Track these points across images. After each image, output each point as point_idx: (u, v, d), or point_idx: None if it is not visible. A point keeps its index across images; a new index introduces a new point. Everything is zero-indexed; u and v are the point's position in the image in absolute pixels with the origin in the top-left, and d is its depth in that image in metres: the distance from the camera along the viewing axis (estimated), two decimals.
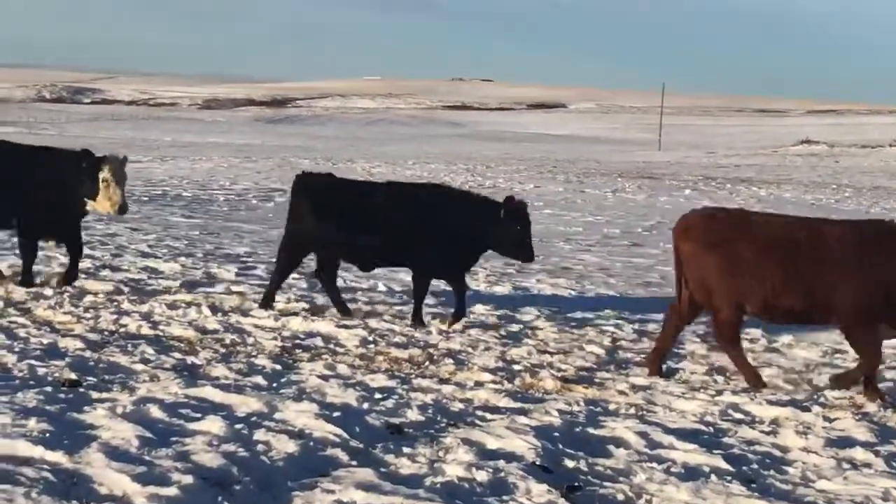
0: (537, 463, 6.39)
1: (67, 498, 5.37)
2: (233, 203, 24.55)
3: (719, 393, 8.73)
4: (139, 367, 8.37)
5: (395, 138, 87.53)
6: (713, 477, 6.40)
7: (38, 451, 5.92)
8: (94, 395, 7.28)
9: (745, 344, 10.07)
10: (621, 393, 8.63)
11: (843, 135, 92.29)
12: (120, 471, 5.69)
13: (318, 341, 9.90)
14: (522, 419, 7.31)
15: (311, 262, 11.95)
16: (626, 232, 22.05)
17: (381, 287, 12.95)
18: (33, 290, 11.31)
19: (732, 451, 7.00)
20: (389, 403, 7.57)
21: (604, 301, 13.12)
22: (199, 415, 6.87)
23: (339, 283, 11.74)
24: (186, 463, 5.93)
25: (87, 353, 8.72)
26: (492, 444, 6.71)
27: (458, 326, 10.89)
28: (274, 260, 14.98)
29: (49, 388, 7.36)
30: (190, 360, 8.81)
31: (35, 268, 11.90)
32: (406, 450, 6.50)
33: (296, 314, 10.94)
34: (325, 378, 8.30)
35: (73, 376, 7.82)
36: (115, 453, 5.98)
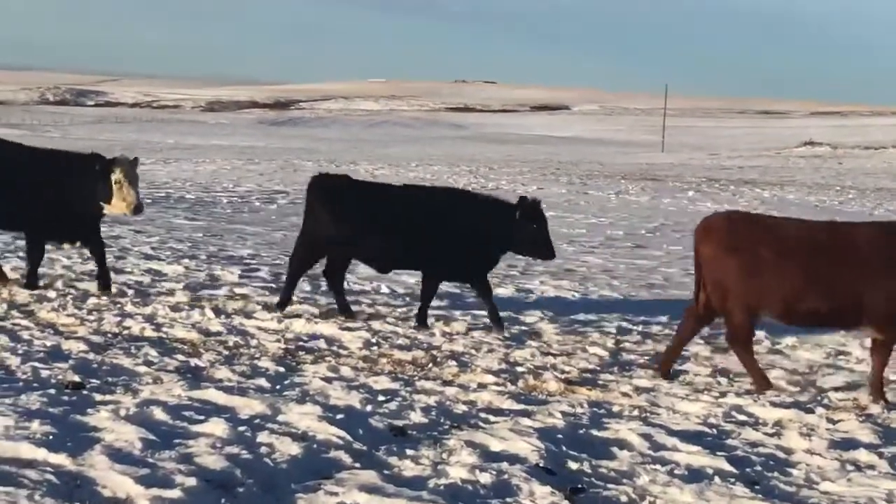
0: (541, 465, 6.39)
1: (70, 500, 5.37)
2: (236, 205, 24.55)
3: (723, 395, 8.73)
4: (142, 369, 8.37)
5: (398, 140, 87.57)
6: (717, 479, 6.39)
7: (41, 454, 5.92)
8: (98, 397, 7.28)
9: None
10: (625, 395, 8.62)
11: (847, 136, 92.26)
12: (123, 473, 5.68)
13: (322, 343, 9.90)
14: (526, 421, 7.31)
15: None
16: (629, 234, 22.05)
17: (385, 289, 12.94)
18: (37, 292, 11.31)
19: (736, 452, 6.99)
20: (393, 405, 7.57)
21: (607, 303, 13.11)
22: (202, 417, 6.87)
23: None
24: (190, 465, 5.93)
25: (91, 356, 8.72)
26: (495, 446, 6.70)
27: (461, 329, 10.89)
28: (277, 262, 15.04)
29: (52, 391, 7.36)
30: (193, 362, 8.81)
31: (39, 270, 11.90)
32: (409, 452, 6.49)
33: (299, 316, 10.93)
34: (328, 380, 8.30)
35: (77, 378, 7.83)
36: (118, 455, 5.98)
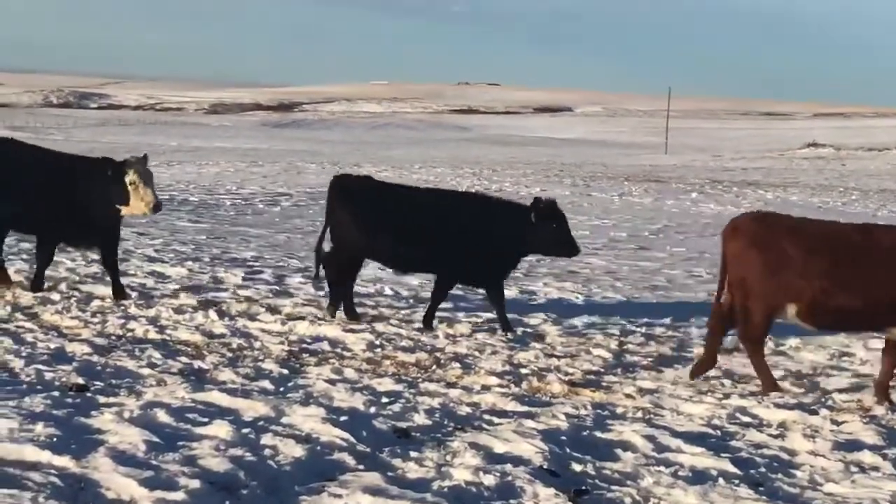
0: (544, 467, 6.38)
1: (74, 502, 5.38)
2: (239, 207, 24.56)
3: (727, 396, 8.72)
4: (146, 371, 8.38)
5: (401, 142, 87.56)
6: (721, 480, 6.39)
7: (45, 456, 5.92)
8: (101, 399, 7.29)
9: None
10: (628, 396, 8.62)
11: (850, 137, 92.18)
12: (127, 475, 5.68)
13: (325, 345, 9.90)
14: (529, 423, 7.30)
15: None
16: (632, 235, 22.03)
17: (388, 291, 12.94)
18: (40, 294, 11.32)
19: (740, 454, 6.98)
20: (396, 407, 7.57)
21: (611, 305, 13.10)
22: (206, 419, 6.87)
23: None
24: (193, 467, 5.93)
25: (95, 358, 8.73)
26: (499, 447, 6.70)
27: (464, 331, 10.89)
28: (280, 264, 15.05)
29: (56, 393, 7.36)
30: (197, 364, 8.82)
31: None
32: (413, 454, 6.49)
33: (303, 318, 10.93)
34: (331, 382, 8.30)
35: (81, 381, 7.83)
36: (122, 458, 5.98)
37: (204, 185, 29.94)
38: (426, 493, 5.81)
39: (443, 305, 12.14)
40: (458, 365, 9.39)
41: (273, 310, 11.33)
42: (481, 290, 11.55)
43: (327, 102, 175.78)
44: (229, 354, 9.35)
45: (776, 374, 9.53)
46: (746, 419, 7.99)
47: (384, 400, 7.80)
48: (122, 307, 10.97)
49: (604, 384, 9.04)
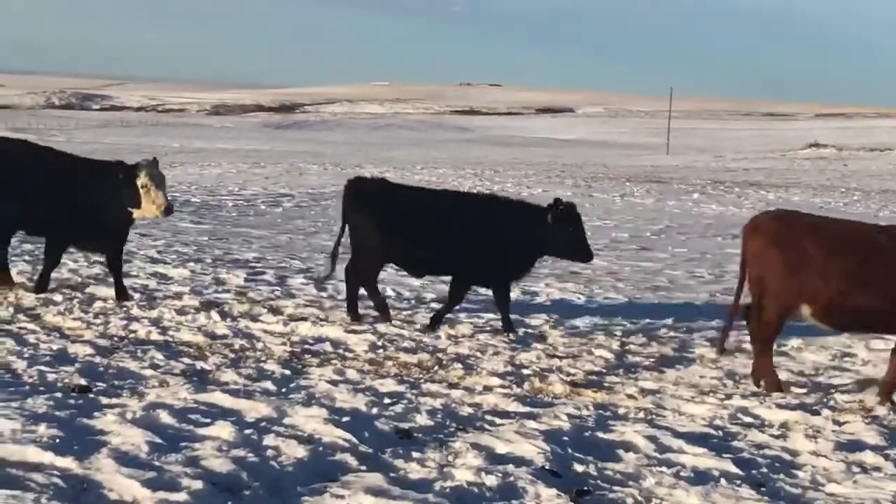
0: (546, 467, 6.39)
1: None
2: (241, 208, 24.58)
3: (728, 397, 8.73)
4: (148, 372, 8.38)
5: (403, 143, 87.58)
6: (723, 481, 6.39)
7: (47, 457, 5.92)
8: (104, 400, 7.29)
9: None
10: (630, 397, 8.62)
11: (852, 138, 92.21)
12: (129, 476, 5.69)
13: (327, 346, 9.91)
14: (531, 423, 7.30)
15: (313, 264, 11.91)
16: (634, 236, 22.03)
17: (390, 292, 12.94)
18: (43, 296, 11.33)
19: (742, 454, 6.99)
20: (398, 408, 7.57)
21: (612, 305, 13.11)
22: (208, 420, 6.87)
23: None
24: (196, 468, 5.94)
25: (97, 359, 8.73)
26: (501, 448, 6.70)
27: (466, 331, 10.89)
28: (282, 265, 15.06)
29: (59, 394, 7.36)
30: (199, 365, 8.83)
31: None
32: (415, 454, 6.49)
33: (305, 319, 10.94)
34: (334, 383, 8.31)
35: (83, 382, 7.84)
36: (124, 459, 5.98)
37: (206, 187, 29.96)
38: (428, 494, 5.81)
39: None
40: (460, 366, 9.40)
41: (275, 311, 11.33)
42: (489, 291, 11.50)
43: (329, 103, 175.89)
44: (231, 355, 9.35)
45: (779, 374, 9.54)
46: (748, 420, 7.99)
47: (386, 401, 7.80)
48: (125, 308, 10.98)
49: (606, 385, 9.05)
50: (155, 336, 9.92)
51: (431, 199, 11.53)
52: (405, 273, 12.14)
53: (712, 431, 7.55)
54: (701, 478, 6.43)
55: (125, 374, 8.27)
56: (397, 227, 11.00)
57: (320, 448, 6.48)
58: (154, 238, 17.23)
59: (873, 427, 7.79)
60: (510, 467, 6.28)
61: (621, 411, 8.03)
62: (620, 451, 6.87)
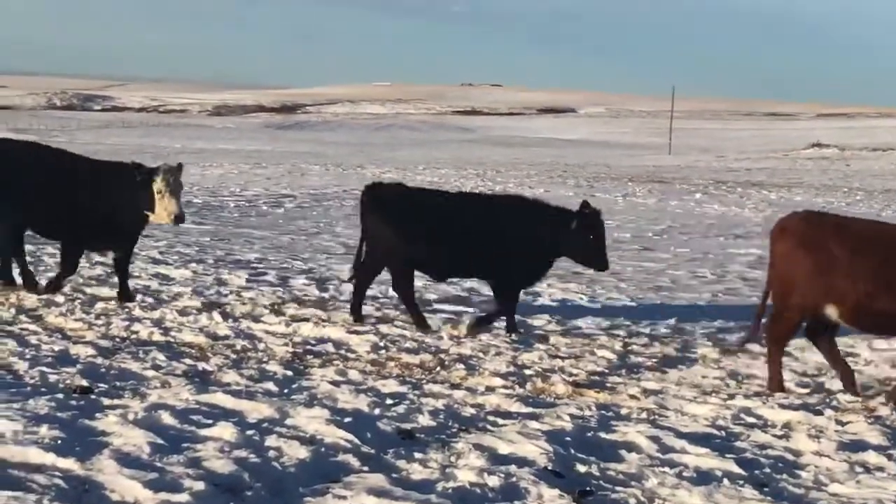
0: (549, 468, 6.38)
1: None
2: (243, 209, 24.59)
3: (731, 397, 8.71)
4: (150, 373, 8.38)
5: (404, 143, 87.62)
6: (725, 481, 6.38)
7: (49, 458, 5.92)
8: (106, 401, 7.29)
9: (758, 348, 10.06)
10: (633, 397, 8.61)
11: (854, 138, 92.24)
12: (132, 477, 5.68)
13: (330, 347, 9.90)
14: (534, 424, 7.29)
15: (317, 265, 11.90)
16: (636, 236, 22.01)
17: (392, 293, 12.93)
18: (45, 297, 11.33)
19: (745, 455, 6.97)
20: (401, 409, 7.56)
21: (615, 306, 13.10)
22: (210, 421, 6.87)
23: (348, 288, 11.73)
24: (198, 469, 5.93)
25: (99, 360, 8.73)
26: (503, 449, 6.70)
27: (469, 327, 10.88)
28: (284, 265, 15.05)
29: (60, 395, 7.36)
30: (201, 366, 8.82)
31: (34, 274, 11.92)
32: (417, 455, 6.49)
33: (307, 320, 10.93)
34: (336, 384, 8.30)
35: (85, 383, 7.84)
36: (126, 460, 5.98)
37: (208, 187, 29.97)
38: (431, 495, 5.81)
39: (446, 307, 12.16)
40: (462, 366, 9.39)
41: (277, 311, 11.33)
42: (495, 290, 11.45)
43: (330, 104, 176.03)
44: (233, 356, 9.35)
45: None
46: (751, 420, 7.98)
47: (388, 401, 7.80)
48: (127, 309, 10.97)
49: (608, 385, 9.04)
50: (157, 337, 9.92)
51: (450, 203, 11.46)
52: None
53: (715, 432, 7.54)
54: (704, 478, 6.42)
55: (127, 375, 8.26)
56: (417, 232, 10.94)
57: (322, 449, 6.47)
58: (156, 239, 17.23)
59: (876, 427, 7.78)
60: (513, 468, 6.27)
61: (624, 412, 8.02)
62: (623, 452, 6.86)
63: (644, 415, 7.96)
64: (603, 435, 7.21)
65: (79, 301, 11.25)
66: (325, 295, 12.67)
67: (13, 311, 10.63)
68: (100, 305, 11.08)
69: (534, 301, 13.11)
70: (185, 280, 13.20)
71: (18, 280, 11.96)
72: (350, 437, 6.69)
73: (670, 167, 56.60)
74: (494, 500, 5.87)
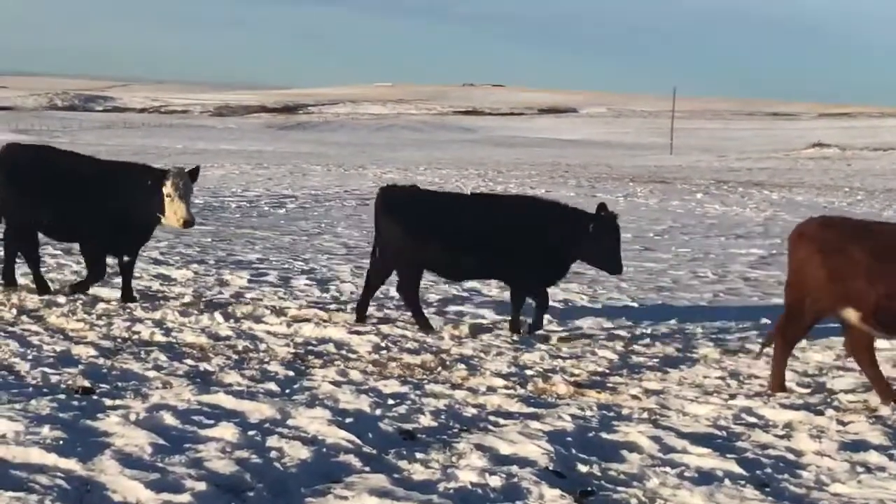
0: (550, 468, 6.38)
1: None
2: (245, 210, 24.60)
3: (732, 397, 8.71)
4: (152, 373, 8.39)
5: (406, 144, 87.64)
6: (727, 481, 6.38)
7: (51, 459, 5.93)
8: (108, 402, 7.30)
9: (757, 347, 10.06)
10: (634, 397, 8.61)
11: (855, 138, 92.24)
12: (133, 478, 5.69)
13: (331, 347, 9.90)
14: (535, 424, 7.30)
15: (331, 267, 11.90)
16: (637, 236, 22.00)
17: (393, 293, 12.93)
18: (46, 297, 11.35)
19: (746, 455, 6.97)
20: (402, 409, 7.57)
21: (616, 306, 13.09)
22: (211, 421, 6.87)
23: (349, 288, 11.75)
24: (199, 470, 5.94)
25: (100, 361, 8.74)
26: (505, 449, 6.70)
27: (469, 332, 10.88)
28: (285, 266, 15.06)
29: (62, 396, 7.38)
30: (203, 366, 8.83)
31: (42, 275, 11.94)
32: (419, 455, 6.49)
33: (308, 320, 10.94)
34: (337, 384, 8.31)
35: (87, 383, 7.85)
36: (128, 460, 5.99)
37: (209, 188, 29.96)
38: (432, 495, 5.81)
39: (447, 307, 12.16)
40: (463, 366, 9.39)
41: (278, 312, 11.34)
42: (508, 288, 11.40)
43: (332, 104, 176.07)
44: (235, 357, 9.35)
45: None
46: (752, 420, 7.98)
47: (390, 402, 7.80)
48: (128, 310, 10.99)
49: (609, 385, 9.04)
50: (158, 337, 9.93)
51: (465, 205, 11.44)
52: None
53: (716, 432, 7.54)
54: (705, 478, 6.43)
55: (128, 376, 8.27)
56: (431, 235, 10.92)
57: (324, 449, 6.48)
58: (157, 239, 17.21)
59: (877, 427, 7.78)
60: (514, 468, 6.28)
61: (625, 412, 8.02)
62: (624, 452, 6.86)
63: (645, 415, 7.96)
64: (604, 435, 7.21)
65: (80, 302, 11.26)
66: (327, 295, 12.67)
67: (15, 311, 10.65)
68: (101, 306, 11.10)
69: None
70: (186, 281, 13.20)
71: (21, 281, 11.98)
72: (351, 437, 6.69)
73: (672, 167, 56.59)
74: (496, 500, 5.88)
